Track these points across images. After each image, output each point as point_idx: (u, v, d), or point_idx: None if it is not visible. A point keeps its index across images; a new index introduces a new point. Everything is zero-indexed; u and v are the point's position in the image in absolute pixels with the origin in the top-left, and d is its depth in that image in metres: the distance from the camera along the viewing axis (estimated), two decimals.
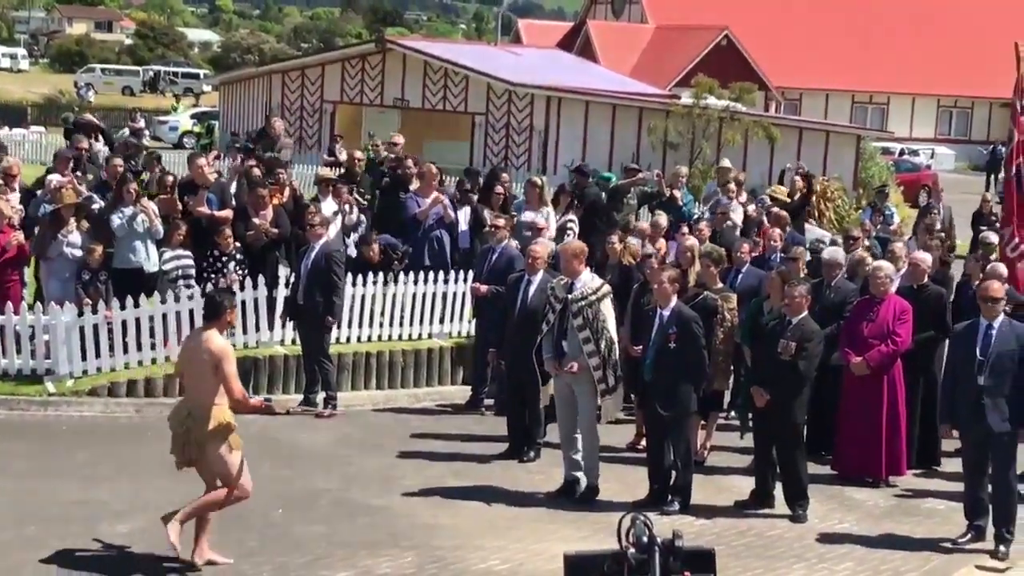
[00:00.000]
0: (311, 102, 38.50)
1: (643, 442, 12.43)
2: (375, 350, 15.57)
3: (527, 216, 16.66)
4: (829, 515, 11.53)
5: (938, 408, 11.52)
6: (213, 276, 14.96)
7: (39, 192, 16.41)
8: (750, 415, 12.15)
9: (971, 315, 11.23)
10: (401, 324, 16.02)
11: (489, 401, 14.68)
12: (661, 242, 16.08)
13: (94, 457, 12.22)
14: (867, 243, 16.22)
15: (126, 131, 34.02)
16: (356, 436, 13.48)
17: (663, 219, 16.85)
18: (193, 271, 14.94)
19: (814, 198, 20.05)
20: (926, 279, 13.14)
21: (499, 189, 17.19)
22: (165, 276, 14.84)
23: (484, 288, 14.28)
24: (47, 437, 12.89)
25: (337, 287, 14.29)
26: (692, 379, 11.25)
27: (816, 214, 20.83)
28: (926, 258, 13.41)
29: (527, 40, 61.18)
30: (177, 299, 14.52)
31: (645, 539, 5.19)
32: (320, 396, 14.26)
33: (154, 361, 14.52)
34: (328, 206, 16.35)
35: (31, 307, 14.40)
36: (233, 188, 16.78)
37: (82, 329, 14.11)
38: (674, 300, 11.34)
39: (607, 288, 11.73)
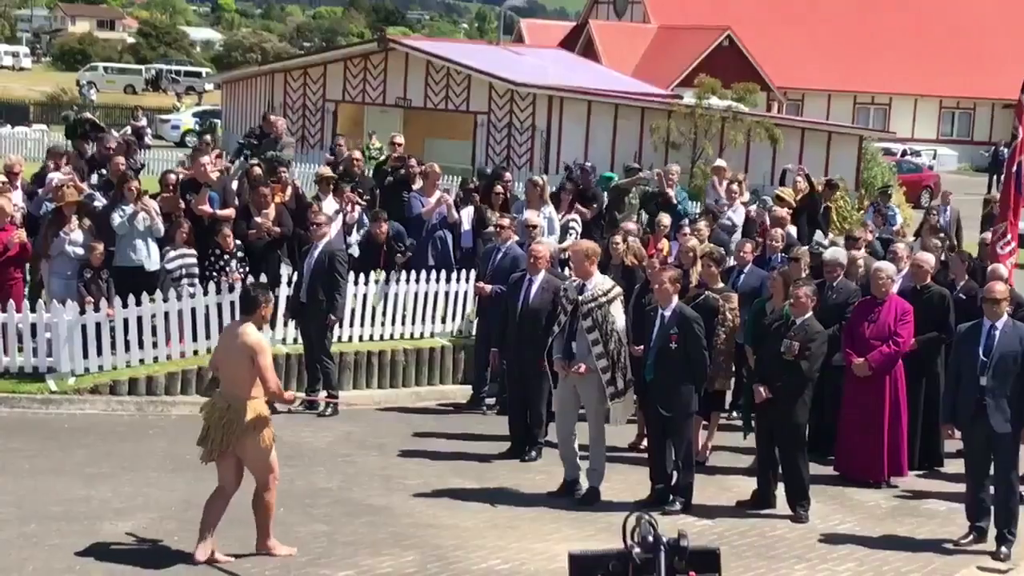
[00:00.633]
0: (313, 101, 38.52)
1: (645, 442, 12.42)
2: (377, 349, 15.57)
3: (527, 216, 16.59)
4: (831, 516, 11.52)
5: (940, 408, 11.51)
6: (214, 275, 14.96)
7: (40, 191, 16.42)
8: (752, 415, 12.14)
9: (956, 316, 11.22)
10: (403, 323, 16.01)
11: (490, 400, 14.69)
12: (663, 242, 16.09)
13: (95, 455, 12.22)
14: (868, 239, 16.21)
15: (128, 129, 34.03)
16: (357, 435, 13.48)
17: (666, 219, 16.85)
18: (196, 269, 14.94)
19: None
20: (928, 279, 13.12)
21: (499, 188, 17.17)
22: (168, 275, 14.84)
23: (488, 288, 14.28)
24: (49, 435, 12.88)
25: (340, 286, 14.30)
26: (693, 379, 11.24)
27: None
28: (928, 259, 13.39)
29: (529, 40, 61.18)
30: (179, 297, 14.52)
31: (651, 538, 5.18)
32: (321, 395, 14.25)
33: (156, 359, 14.52)
34: (329, 205, 16.35)
35: (32, 306, 14.38)
36: (235, 186, 16.77)
37: (84, 327, 14.11)
38: (675, 300, 11.33)
39: (618, 290, 11.70)
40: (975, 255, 16.38)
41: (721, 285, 13.04)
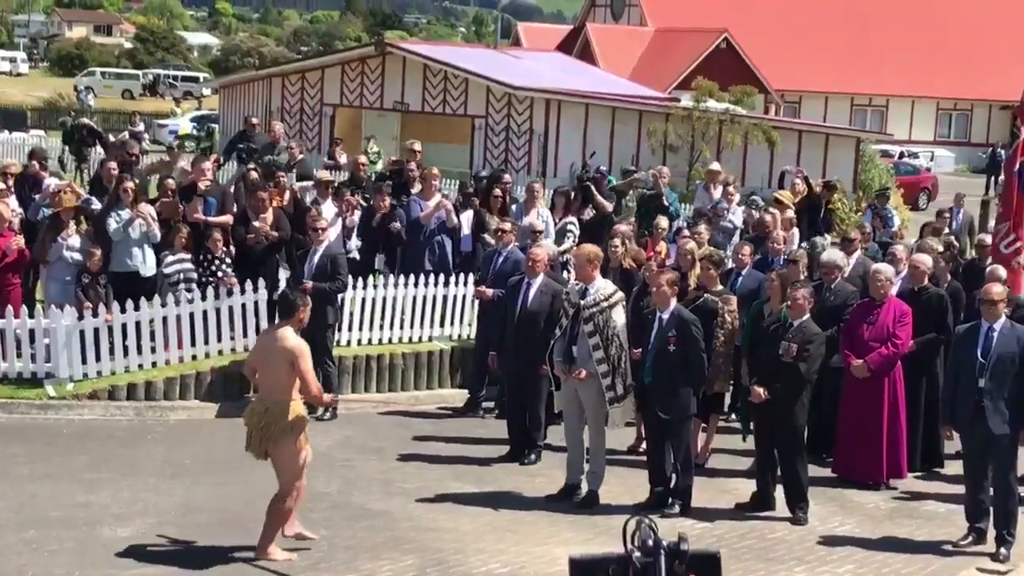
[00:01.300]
0: (311, 105, 38.53)
1: (644, 445, 12.42)
2: (376, 353, 15.55)
3: (530, 221, 16.58)
4: (830, 517, 11.51)
5: (940, 410, 11.52)
6: (206, 279, 14.93)
7: (37, 196, 16.43)
8: (751, 417, 12.15)
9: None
10: (402, 327, 16.01)
11: (489, 404, 14.68)
12: (662, 244, 16.08)
13: (94, 460, 12.21)
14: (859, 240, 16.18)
15: (125, 134, 34.03)
16: (357, 439, 13.47)
17: (664, 222, 16.85)
18: (194, 274, 14.93)
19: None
20: (926, 281, 13.13)
21: (497, 192, 17.16)
22: (166, 279, 14.83)
23: (490, 292, 14.27)
24: (47, 440, 12.88)
25: (341, 290, 14.36)
26: (692, 382, 11.25)
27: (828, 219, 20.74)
28: (925, 260, 13.39)
29: (527, 43, 61.25)
30: (177, 302, 14.51)
31: (651, 542, 5.17)
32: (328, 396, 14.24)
33: (154, 364, 14.51)
34: (328, 208, 16.34)
35: (31, 312, 14.37)
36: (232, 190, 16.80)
37: (82, 332, 14.10)
38: (673, 303, 11.33)
39: (620, 295, 11.69)
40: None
41: (720, 287, 13.04)
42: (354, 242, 16.55)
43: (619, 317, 11.51)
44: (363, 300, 15.69)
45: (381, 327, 15.89)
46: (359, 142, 32.22)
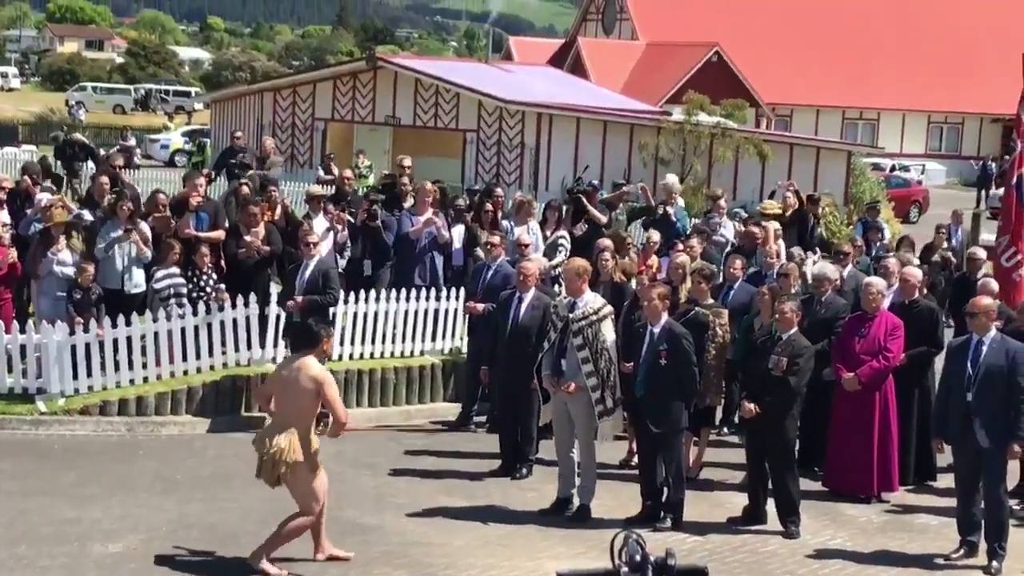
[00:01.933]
0: (302, 120, 38.53)
1: (636, 459, 12.43)
2: (367, 367, 15.54)
3: (518, 234, 16.59)
4: (822, 531, 11.53)
5: (931, 422, 11.55)
6: (197, 295, 14.92)
7: (29, 211, 16.44)
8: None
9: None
10: (393, 341, 16.01)
11: (480, 419, 14.68)
12: (653, 258, 16.10)
13: (85, 476, 12.20)
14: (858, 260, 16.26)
15: (116, 150, 34.00)
16: (348, 454, 13.46)
17: (655, 235, 16.87)
18: (185, 290, 14.92)
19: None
20: (916, 294, 13.16)
21: (488, 206, 17.17)
22: (157, 294, 14.82)
23: (480, 306, 14.28)
24: (38, 456, 12.86)
25: (333, 303, 14.38)
26: (683, 395, 11.27)
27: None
28: (915, 273, 13.44)
29: (518, 57, 61.31)
30: (168, 317, 14.50)
31: (638, 557, 5.18)
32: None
33: (145, 379, 14.49)
34: (320, 223, 16.36)
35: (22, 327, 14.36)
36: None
37: (73, 348, 14.09)
38: (664, 317, 11.36)
39: (609, 309, 11.71)
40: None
41: (711, 301, 13.07)
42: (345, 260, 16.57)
43: (608, 331, 11.53)
44: (355, 314, 15.70)
45: (373, 341, 15.89)
46: (351, 157, 32.21)
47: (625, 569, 5.18)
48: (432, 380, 15.86)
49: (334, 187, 20.68)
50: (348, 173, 20.36)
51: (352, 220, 16.96)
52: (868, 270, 15.75)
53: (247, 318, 14.96)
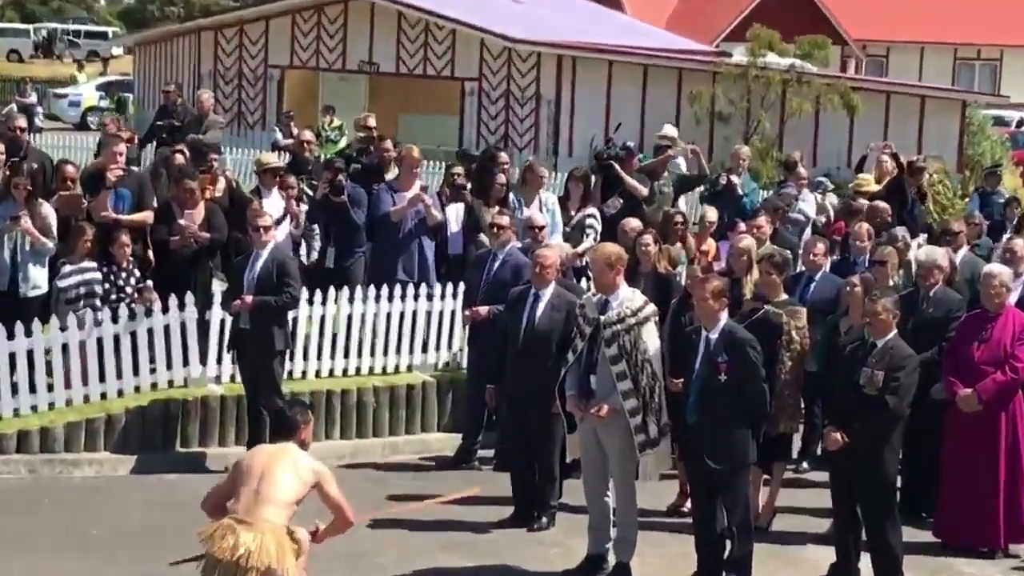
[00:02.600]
0: (252, 68, 38.61)
1: (688, 503, 12.44)
2: (339, 387, 15.57)
3: (530, 213, 16.54)
4: None
5: None
6: (116, 295, 14.87)
7: None
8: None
9: None
10: (373, 354, 16.03)
11: (486, 453, 14.69)
12: (709, 242, 16.12)
13: None
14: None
15: (13, 107, 34.10)
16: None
17: (712, 213, 16.87)
18: (100, 289, 14.88)
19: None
20: None
21: (501, 179, 17.10)
22: (62, 295, 14.77)
23: (484, 310, 14.26)
24: None
25: (291, 305, 14.37)
26: (749, 421, 11.26)
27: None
28: None
29: None
30: (81, 326, 14.50)
31: None
32: None
33: (51, 406, 14.49)
34: (274, 202, 16.36)
35: None
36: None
37: None
38: (723, 319, 11.33)
39: (652, 308, 11.66)
40: None
41: (785, 297, 13.06)
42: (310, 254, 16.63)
43: (651, 337, 11.51)
44: (322, 318, 15.71)
45: (346, 354, 15.90)
46: (315, 115, 32.25)
47: None
48: (423, 403, 15.90)
49: (291, 154, 20.69)
50: (308, 135, 20.26)
51: (311, 194, 16.96)
52: (989, 255, 15.73)
53: (182, 325, 14.97)
